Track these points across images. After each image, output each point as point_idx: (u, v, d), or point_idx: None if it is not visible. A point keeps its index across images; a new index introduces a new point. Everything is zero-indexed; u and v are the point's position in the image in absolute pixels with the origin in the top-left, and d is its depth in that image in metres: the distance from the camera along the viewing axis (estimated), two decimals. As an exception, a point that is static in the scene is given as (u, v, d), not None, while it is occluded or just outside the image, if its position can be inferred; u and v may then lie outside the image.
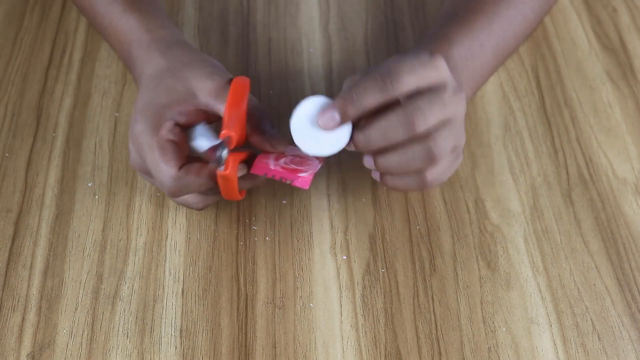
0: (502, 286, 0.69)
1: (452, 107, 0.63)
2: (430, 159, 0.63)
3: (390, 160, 0.64)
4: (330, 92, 0.82)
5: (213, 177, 0.65)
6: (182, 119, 0.66)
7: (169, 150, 0.65)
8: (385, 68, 0.63)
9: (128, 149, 0.75)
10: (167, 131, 0.65)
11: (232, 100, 0.65)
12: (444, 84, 0.63)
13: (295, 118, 0.64)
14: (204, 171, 0.65)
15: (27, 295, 0.67)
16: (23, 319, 0.66)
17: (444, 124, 0.63)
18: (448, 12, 0.76)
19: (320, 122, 0.64)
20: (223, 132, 0.65)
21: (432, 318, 0.67)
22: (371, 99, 0.63)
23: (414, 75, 0.62)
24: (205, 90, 0.67)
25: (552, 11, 0.88)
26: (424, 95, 0.62)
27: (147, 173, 0.68)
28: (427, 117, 0.62)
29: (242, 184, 0.67)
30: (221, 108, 0.66)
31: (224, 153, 0.63)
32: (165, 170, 0.65)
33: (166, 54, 0.70)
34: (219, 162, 0.63)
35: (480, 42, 0.73)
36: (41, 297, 0.67)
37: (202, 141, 0.66)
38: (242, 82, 0.67)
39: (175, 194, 0.66)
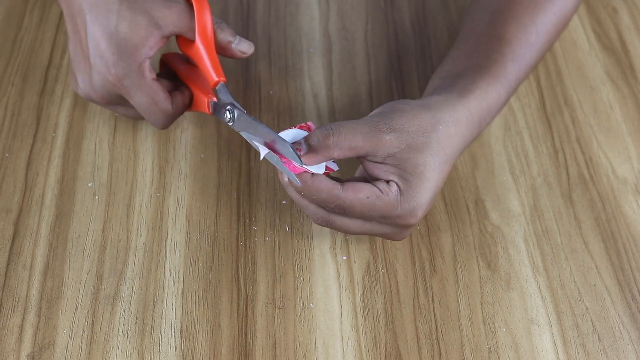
0: (502, 286, 0.69)
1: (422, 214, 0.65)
2: (397, 236, 0.67)
3: (349, 224, 0.65)
4: (331, 92, 0.82)
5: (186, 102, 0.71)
6: (152, 53, 0.68)
7: (159, 90, 0.69)
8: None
9: (71, 75, 0.74)
10: (149, 71, 0.68)
11: (201, 29, 0.68)
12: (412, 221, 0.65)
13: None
14: (187, 97, 0.71)
15: (27, 296, 0.67)
16: (23, 320, 0.66)
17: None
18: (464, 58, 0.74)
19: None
20: (215, 79, 0.68)
21: (432, 318, 0.67)
22: (342, 153, 0.62)
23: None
24: (168, 19, 0.68)
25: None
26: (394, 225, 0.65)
27: (116, 104, 0.71)
28: (400, 238, 0.68)
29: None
30: (188, 34, 0.69)
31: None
32: (162, 109, 0.69)
33: None
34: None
35: (497, 91, 0.71)
36: (41, 297, 0.67)
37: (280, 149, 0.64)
38: (201, 3, 0.69)
39: (168, 125, 0.72)
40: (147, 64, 0.68)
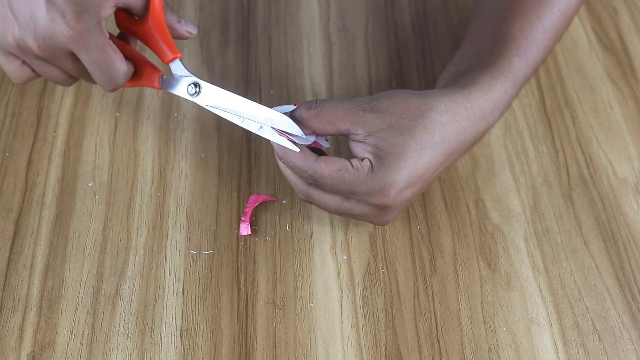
0: (503, 286, 0.69)
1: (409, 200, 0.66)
2: (377, 219, 0.68)
3: (326, 200, 0.66)
4: (331, 92, 0.82)
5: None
6: (108, 13, 0.66)
7: (115, 48, 0.66)
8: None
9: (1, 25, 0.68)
10: (105, 30, 0.66)
11: (153, 7, 0.68)
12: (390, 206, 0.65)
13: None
14: (132, 66, 0.68)
15: (27, 295, 0.67)
16: (23, 319, 0.66)
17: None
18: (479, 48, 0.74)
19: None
20: (171, 56, 0.68)
21: (433, 318, 0.67)
22: (330, 128, 0.64)
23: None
24: None
25: (553, 11, 0.88)
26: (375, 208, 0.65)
27: (51, 62, 0.67)
28: (382, 222, 0.68)
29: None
30: (137, 9, 0.68)
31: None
32: (120, 67, 0.66)
33: None
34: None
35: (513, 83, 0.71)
36: (41, 297, 0.67)
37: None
38: None
39: (117, 88, 0.68)
40: (104, 23, 0.66)
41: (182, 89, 0.68)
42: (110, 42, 0.66)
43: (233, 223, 0.72)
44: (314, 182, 0.64)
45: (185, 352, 0.65)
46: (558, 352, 0.66)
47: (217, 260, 0.70)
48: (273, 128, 0.65)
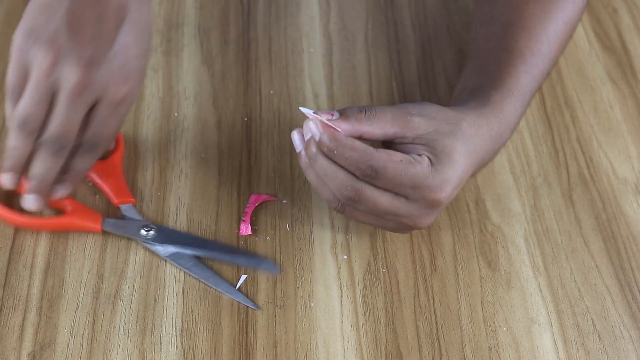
0: (503, 286, 0.69)
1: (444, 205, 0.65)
2: (422, 219, 0.66)
3: (378, 197, 0.64)
4: (331, 92, 0.82)
5: None
6: None
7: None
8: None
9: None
10: None
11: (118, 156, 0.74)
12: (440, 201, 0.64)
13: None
14: None
15: (27, 295, 0.67)
16: (24, 319, 0.66)
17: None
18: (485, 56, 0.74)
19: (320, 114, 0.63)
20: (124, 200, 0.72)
21: (433, 318, 0.67)
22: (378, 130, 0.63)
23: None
24: None
25: (553, 11, 0.88)
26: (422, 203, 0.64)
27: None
28: (425, 223, 0.66)
29: None
30: None
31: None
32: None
33: None
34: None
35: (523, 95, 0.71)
36: (42, 296, 0.67)
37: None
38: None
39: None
40: None
41: (134, 231, 0.70)
42: None
43: (233, 223, 0.72)
44: (374, 173, 0.62)
45: (186, 351, 0.65)
46: (558, 352, 0.66)
47: (217, 260, 0.70)
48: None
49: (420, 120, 0.63)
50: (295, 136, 0.65)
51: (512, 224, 0.73)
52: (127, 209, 0.71)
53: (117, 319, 0.66)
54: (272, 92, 0.82)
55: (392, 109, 0.64)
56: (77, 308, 0.67)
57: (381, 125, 0.63)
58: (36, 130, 0.65)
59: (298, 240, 0.71)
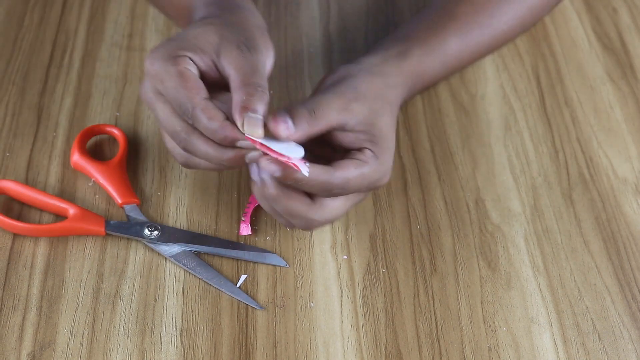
0: (503, 286, 0.69)
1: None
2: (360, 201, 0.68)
3: (340, 205, 0.65)
4: (331, 92, 0.82)
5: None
6: (197, 60, 0.62)
7: (190, 77, 0.61)
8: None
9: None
10: (184, 64, 0.62)
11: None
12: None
13: None
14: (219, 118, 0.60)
15: (27, 295, 0.67)
16: (24, 319, 0.66)
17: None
18: (420, 18, 0.78)
19: (272, 127, 0.60)
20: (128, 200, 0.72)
21: (433, 318, 0.67)
22: (330, 119, 0.63)
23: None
24: (227, 55, 0.62)
25: (553, 11, 0.88)
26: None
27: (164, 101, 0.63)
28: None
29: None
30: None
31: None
32: (190, 96, 0.61)
33: (224, 9, 0.67)
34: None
35: (435, 58, 0.74)
36: (42, 296, 0.67)
37: None
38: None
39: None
40: (185, 59, 0.63)
41: (138, 232, 0.70)
42: (186, 71, 0.62)
43: (233, 223, 0.72)
44: (341, 191, 0.63)
45: (186, 351, 0.65)
46: (558, 352, 0.66)
47: (217, 260, 0.70)
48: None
49: (359, 105, 0.64)
50: (253, 167, 0.62)
51: (512, 224, 0.73)
52: (131, 209, 0.71)
53: (117, 319, 0.66)
54: (272, 92, 0.81)
55: (332, 99, 0.63)
56: (77, 308, 0.67)
57: (327, 121, 0.63)
58: None
59: (298, 240, 0.71)
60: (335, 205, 0.64)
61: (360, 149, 0.64)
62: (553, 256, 0.71)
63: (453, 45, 0.75)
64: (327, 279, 0.69)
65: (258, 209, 0.73)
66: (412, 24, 0.77)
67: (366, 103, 0.65)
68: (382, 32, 0.87)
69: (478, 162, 0.77)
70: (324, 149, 0.65)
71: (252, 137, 0.60)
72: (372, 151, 0.64)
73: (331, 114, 0.63)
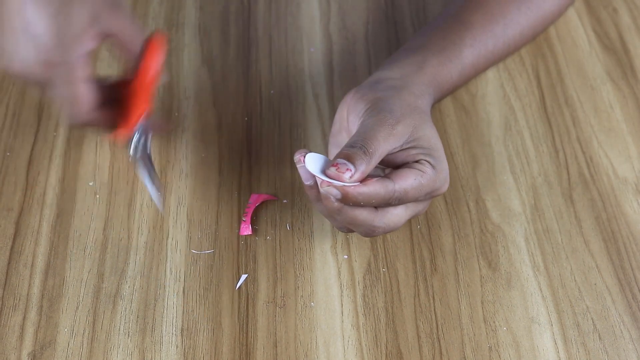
0: (503, 285, 0.69)
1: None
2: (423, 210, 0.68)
3: (401, 213, 0.65)
4: (331, 92, 0.82)
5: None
6: (90, 47, 0.66)
7: (89, 89, 0.66)
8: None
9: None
10: (82, 66, 0.65)
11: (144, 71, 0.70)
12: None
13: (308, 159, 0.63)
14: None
15: (28, 295, 0.67)
16: (24, 318, 0.66)
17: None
18: (435, 27, 0.77)
19: (335, 176, 0.61)
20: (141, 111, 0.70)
21: (433, 317, 0.67)
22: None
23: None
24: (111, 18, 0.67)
25: (553, 11, 0.88)
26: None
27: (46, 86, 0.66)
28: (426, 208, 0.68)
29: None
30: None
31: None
32: (81, 109, 0.67)
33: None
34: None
35: (454, 67, 0.74)
36: (42, 296, 0.67)
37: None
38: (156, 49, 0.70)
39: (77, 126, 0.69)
40: (82, 58, 0.65)
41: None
42: (84, 80, 0.66)
43: (234, 222, 0.72)
44: (396, 202, 0.63)
45: (186, 351, 0.65)
46: (558, 352, 0.66)
47: (217, 260, 0.70)
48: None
49: (401, 127, 0.64)
50: (302, 171, 0.64)
51: (513, 224, 0.73)
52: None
53: (117, 319, 0.66)
54: (272, 92, 0.82)
55: (378, 130, 0.64)
56: (77, 307, 0.67)
57: (379, 154, 0.63)
58: None
59: (298, 240, 0.71)
60: (396, 212, 0.64)
61: (417, 161, 0.64)
62: (553, 256, 0.71)
63: (469, 55, 0.75)
64: (327, 279, 0.69)
65: (258, 208, 0.73)
66: (426, 34, 0.76)
67: (406, 121, 0.65)
68: (382, 31, 0.87)
69: (478, 162, 0.77)
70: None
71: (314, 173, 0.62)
72: (429, 162, 0.64)
73: (381, 145, 0.63)
